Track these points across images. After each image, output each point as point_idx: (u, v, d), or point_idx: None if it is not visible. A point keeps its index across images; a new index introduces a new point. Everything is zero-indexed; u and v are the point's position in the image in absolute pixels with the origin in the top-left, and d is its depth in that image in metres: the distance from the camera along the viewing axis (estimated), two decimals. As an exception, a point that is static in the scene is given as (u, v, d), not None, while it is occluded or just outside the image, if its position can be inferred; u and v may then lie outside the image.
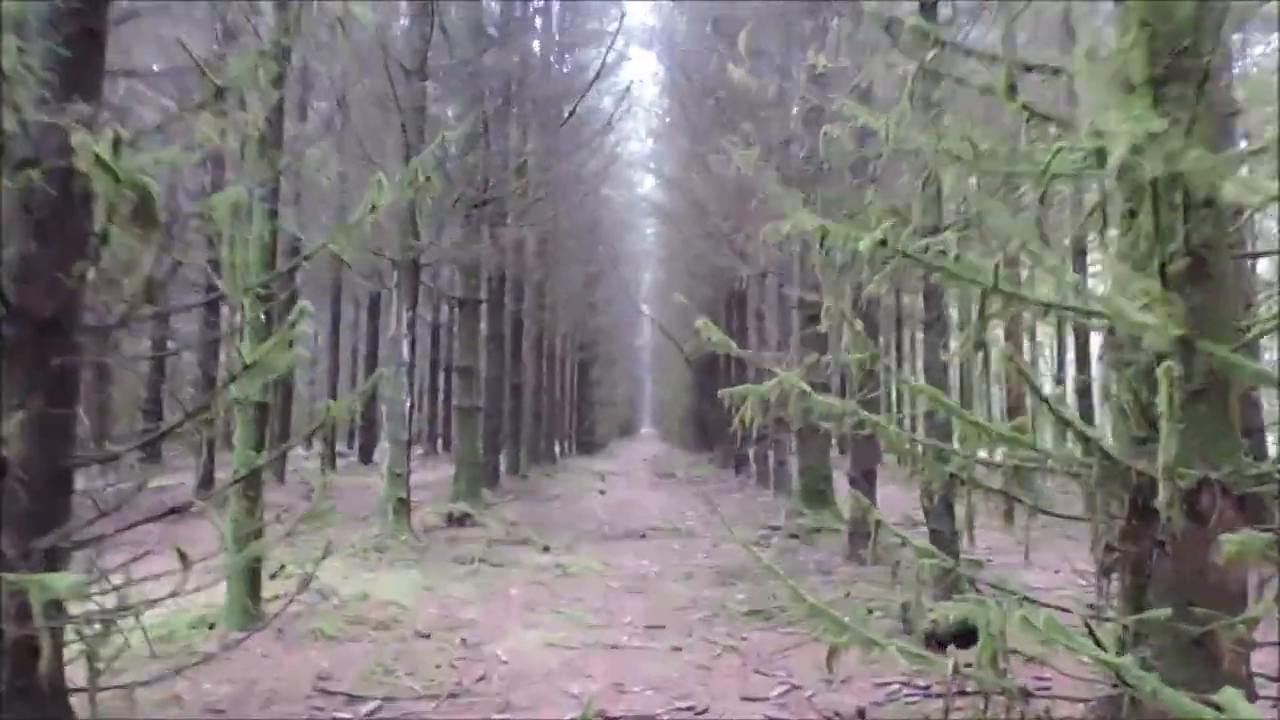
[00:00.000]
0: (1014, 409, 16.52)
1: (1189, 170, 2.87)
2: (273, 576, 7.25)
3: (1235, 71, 12.45)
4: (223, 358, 14.53)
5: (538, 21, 19.58)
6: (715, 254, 21.17)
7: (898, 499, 14.96)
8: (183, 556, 3.92)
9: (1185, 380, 3.09)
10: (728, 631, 7.13)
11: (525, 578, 9.03)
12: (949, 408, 4.01)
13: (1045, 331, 24.59)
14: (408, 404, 10.17)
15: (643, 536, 12.18)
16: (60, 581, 3.16)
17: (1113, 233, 3.89)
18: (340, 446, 33.21)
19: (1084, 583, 9.24)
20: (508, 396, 20.12)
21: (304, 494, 17.71)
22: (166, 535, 10.22)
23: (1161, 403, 2.96)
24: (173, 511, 4.68)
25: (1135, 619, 3.43)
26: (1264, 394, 9.57)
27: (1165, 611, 3.27)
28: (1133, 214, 3.55)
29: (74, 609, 3.63)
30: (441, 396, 30.47)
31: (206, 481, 11.35)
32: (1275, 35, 12.14)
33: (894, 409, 28.13)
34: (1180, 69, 3.40)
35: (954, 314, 8.76)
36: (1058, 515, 4.41)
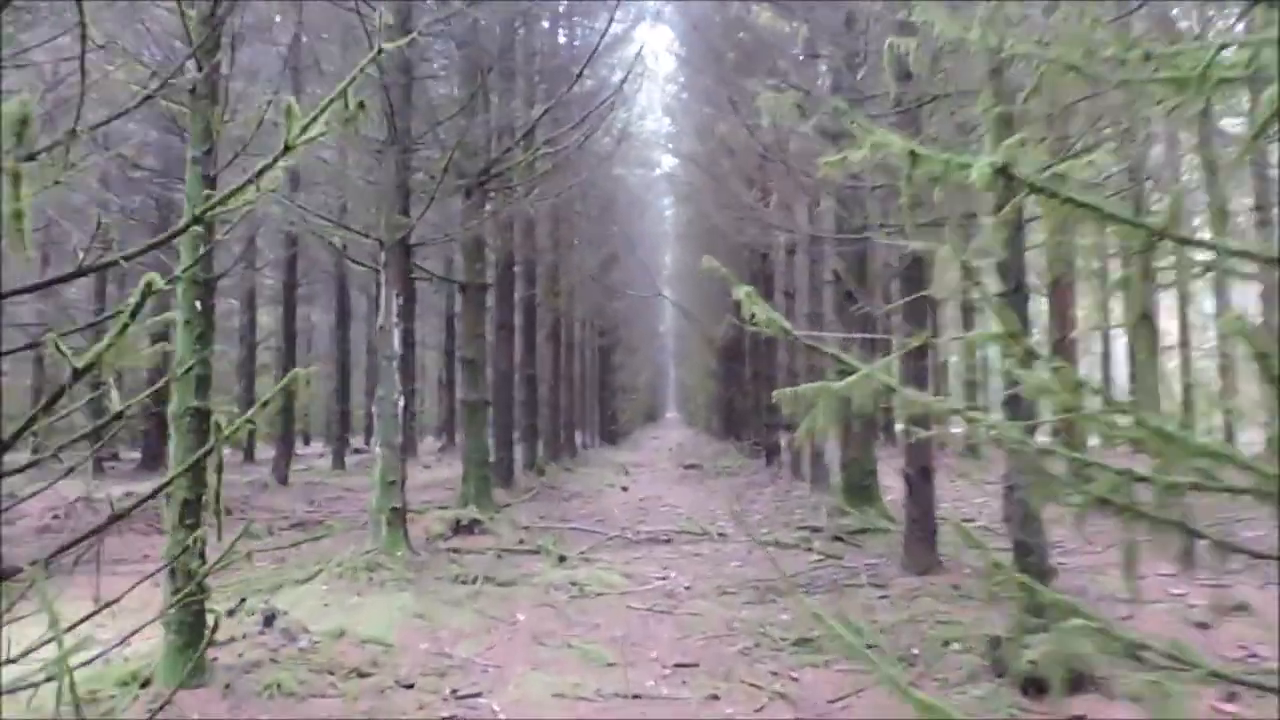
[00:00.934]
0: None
1: None
2: (230, 613, 6.11)
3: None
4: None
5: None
6: (737, 231, 19.92)
7: (948, 494, 13.74)
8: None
9: None
10: (773, 670, 5.94)
11: (535, 599, 7.86)
12: (1117, 410, 2.76)
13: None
14: (400, 403, 9.01)
15: (668, 541, 11.00)
16: None
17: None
18: (359, 442, 32.30)
19: (1179, 592, 8.02)
20: (521, 388, 18.99)
21: (307, 498, 16.67)
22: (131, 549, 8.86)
23: None
24: (92, 534, 3.55)
25: None
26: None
27: None
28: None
29: None
30: (458, 390, 29.42)
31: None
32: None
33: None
34: None
35: (1034, 280, 7.48)
36: (1260, 555, 3.16)
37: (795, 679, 5.76)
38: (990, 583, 5.46)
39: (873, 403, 2.94)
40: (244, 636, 5.82)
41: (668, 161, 39.12)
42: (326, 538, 11.72)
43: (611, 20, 16.90)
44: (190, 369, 5.10)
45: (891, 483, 13.96)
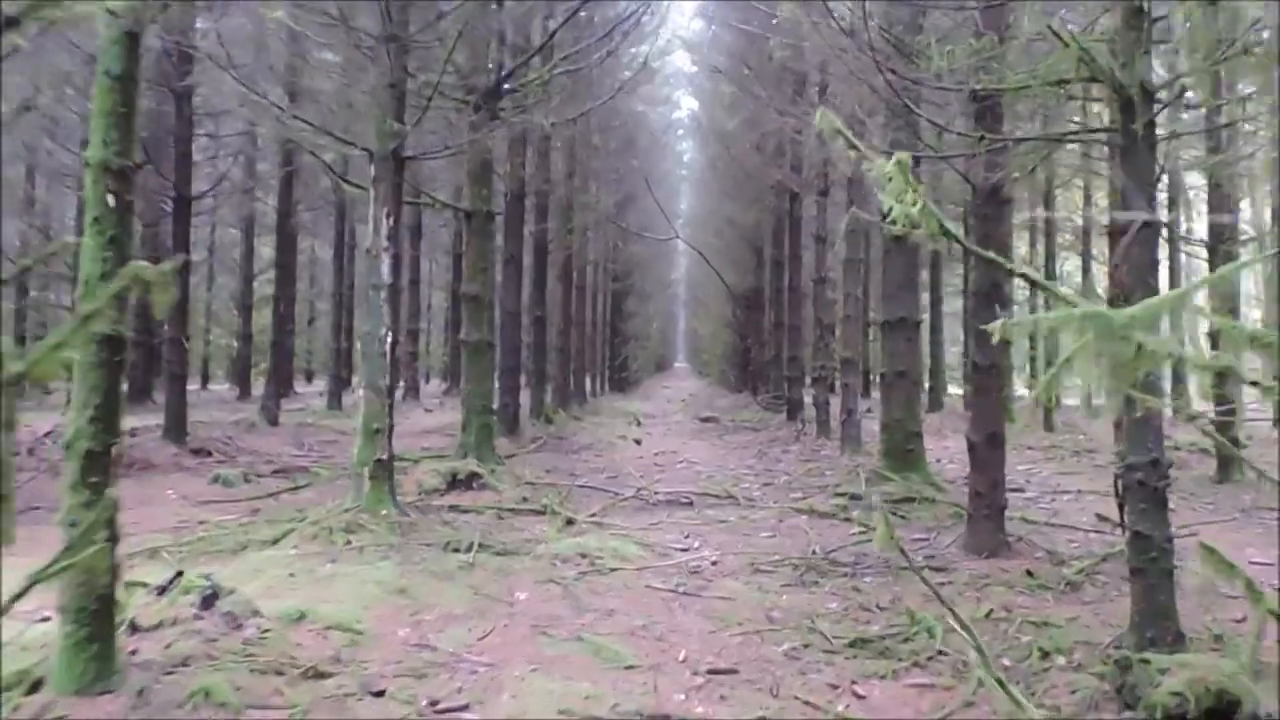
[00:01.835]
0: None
1: None
2: (161, 590, 4.97)
3: None
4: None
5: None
6: (764, 171, 18.56)
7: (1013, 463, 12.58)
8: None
9: None
10: (831, 681, 4.79)
11: (539, 573, 6.71)
12: None
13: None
14: (388, 339, 7.81)
15: (689, 504, 9.84)
16: None
17: None
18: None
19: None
20: (529, 330, 17.81)
21: (298, 441, 15.57)
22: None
23: None
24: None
25: None
26: None
27: None
28: None
29: None
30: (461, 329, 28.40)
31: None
32: None
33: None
34: None
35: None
36: None
37: (860, 695, 4.61)
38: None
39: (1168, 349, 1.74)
40: (175, 622, 4.68)
41: (687, 103, 37.61)
42: (310, 487, 10.62)
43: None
44: (98, 282, 3.89)
45: (930, 445, 12.81)
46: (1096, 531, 8.74)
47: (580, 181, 19.55)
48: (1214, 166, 11.77)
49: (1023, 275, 3.41)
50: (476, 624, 5.58)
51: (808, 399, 18.01)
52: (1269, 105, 6.93)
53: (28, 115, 13.13)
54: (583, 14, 14.73)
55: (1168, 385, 18.21)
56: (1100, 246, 21.05)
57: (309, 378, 38.21)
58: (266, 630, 4.84)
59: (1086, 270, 25.05)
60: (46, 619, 4.51)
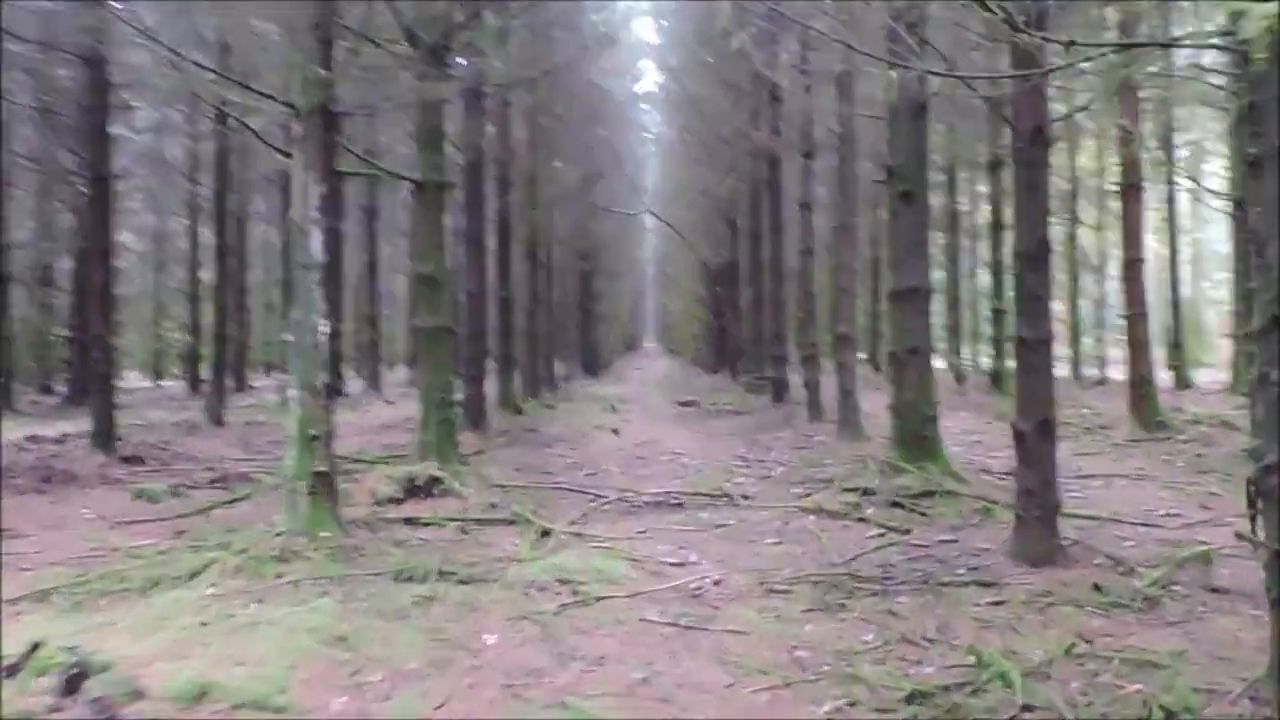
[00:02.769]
0: (1134, 323, 12.96)
1: None
2: (11, 671, 3.75)
3: None
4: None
5: None
6: (742, 136, 17.38)
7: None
8: None
9: None
10: (895, 760, 3.69)
11: (511, 606, 5.55)
12: None
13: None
14: (324, 329, 6.59)
15: (679, 505, 8.70)
16: None
17: None
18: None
19: None
20: (494, 314, 16.58)
21: (244, 442, 14.26)
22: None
23: None
24: None
25: None
26: None
27: None
28: None
29: None
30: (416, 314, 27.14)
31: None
32: None
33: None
34: None
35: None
36: None
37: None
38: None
39: None
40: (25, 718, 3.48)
41: (652, 77, 36.36)
42: (249, 499, 9.36)
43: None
44: None
45: (956, 429, 11.74)
46: (1144, 525, 7.72)
47: (544, 153, 18.28)
48: None
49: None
50: (434, 684, 4.43)
51: (794, 379, 16.93)
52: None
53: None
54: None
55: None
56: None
57: (268, 370, 36.70)
58: (152, 715, 3.65)
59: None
60: None
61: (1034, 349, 6.01)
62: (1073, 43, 3.56)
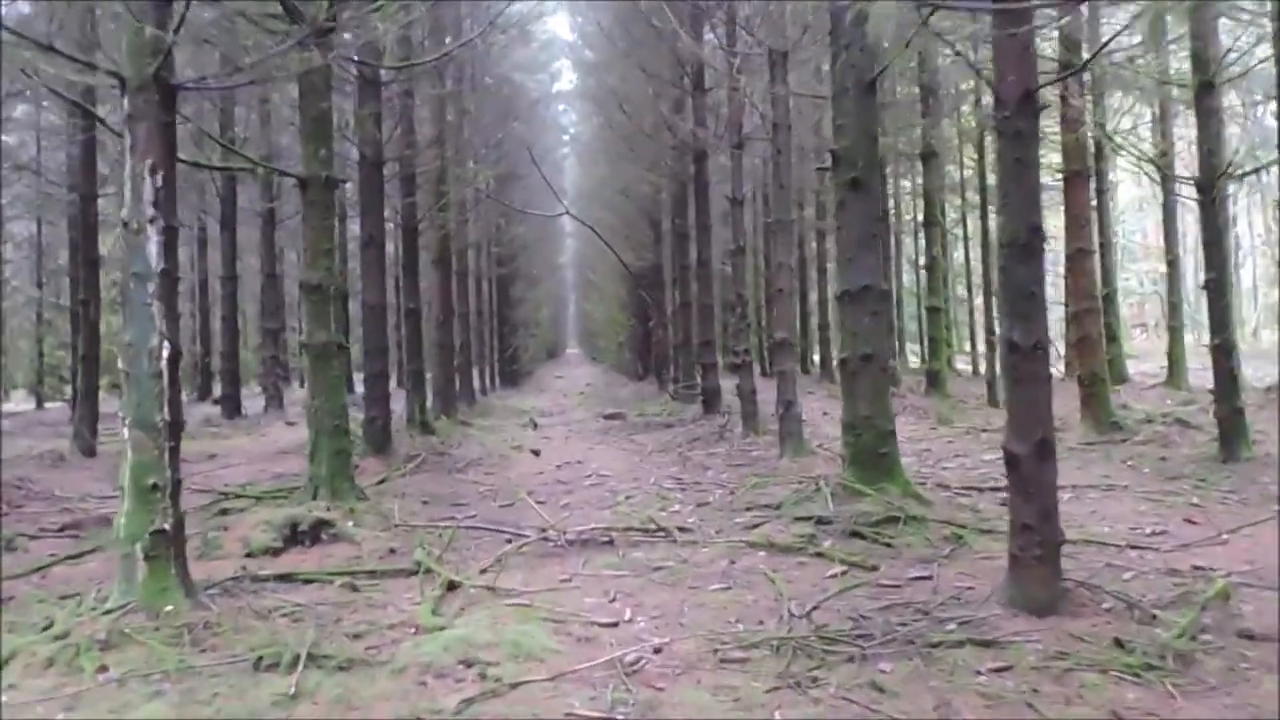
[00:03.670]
0: (1082, 318, 12.25)
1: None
2: None
3: None
4: None
5: None
6: (666, 130, 16.33)
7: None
8: None
9: None
10: None
11: (399, 704, 4.34)
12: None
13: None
14: (164, 353, 5.30)
15: (609, 543, 7.55)
16: None
17: None
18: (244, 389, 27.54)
19: None
20: (402, 325, 15.24)
21: (114, 475, 12.67)
22: None
23: None
24: None
25: None
26: None
27: None
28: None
29: None
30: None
31: None
32: None
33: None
34: None
35: None
36: None
37: None
38: None
39: None
40: None
41: (568, 76, 35.23)
42: (98, 553, 7.92)
43: None
44: None
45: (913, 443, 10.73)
46: (1134, 547, 6.86)
47: (454, 152, 16.98)
48: None
49: None
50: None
51: (723, 384, 15.93)
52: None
53: None
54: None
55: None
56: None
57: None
58: None
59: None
60: None
61: (1029, 356, 5.03)
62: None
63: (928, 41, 6.97)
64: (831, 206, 24.62)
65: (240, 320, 35.84)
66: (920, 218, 20.99)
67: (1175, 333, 18.71)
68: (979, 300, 24.85)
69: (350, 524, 7.99)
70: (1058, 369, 23.01)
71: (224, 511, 9.03)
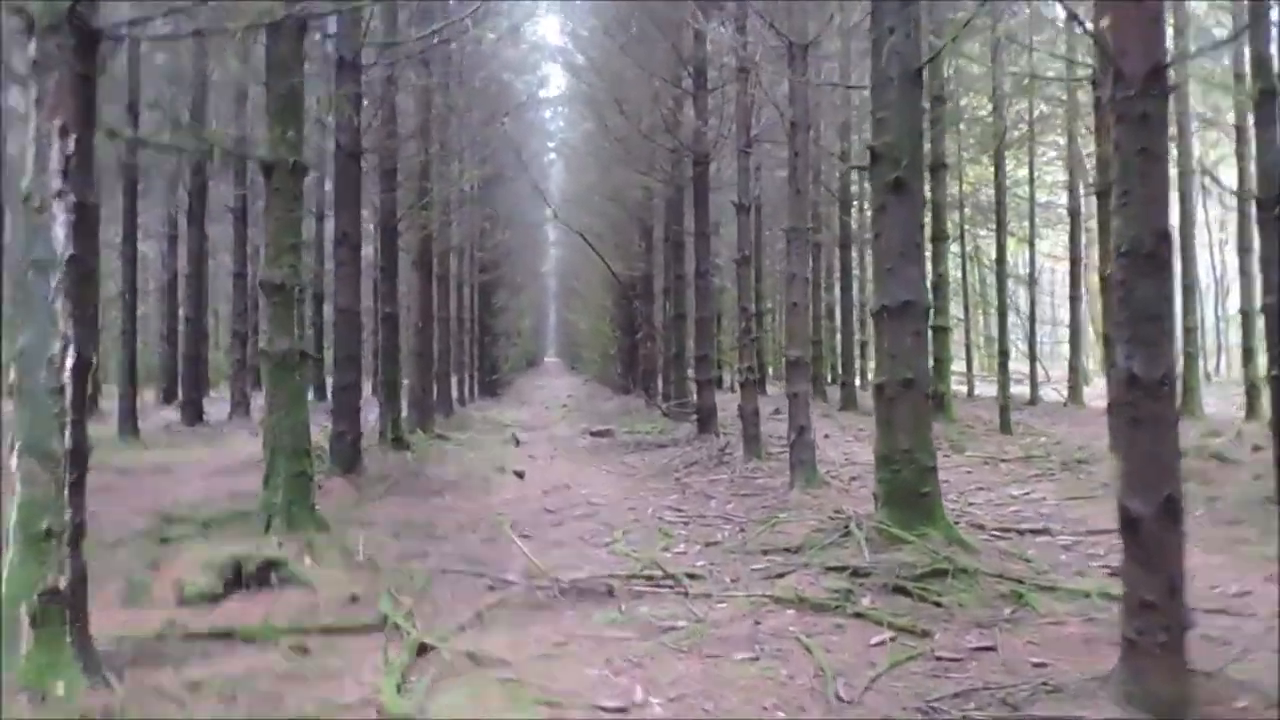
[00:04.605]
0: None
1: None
2: None
3: None
4: None
5: None
6: (664, 134, 15.34)
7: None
8: None
9: None
10: None
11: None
12: None
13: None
14: (69, 362, 4.22)
15: (609, 593, 6.48)
16: None
17: None
18: (206, 394, 25.99)
19: None
20: (380, 331, 14.16)
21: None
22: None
23: None
24: None
25: None
26: None
27: None
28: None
29: None
30: (260, 334, 24.36)
31: None
32: None
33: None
34: None
35: None
36: None
37: None
38: None
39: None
40: None
41: (557, 82, 34.30)
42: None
43: None
44: None
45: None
46: (1227, 613, 5.89)
47: (439, 147, 15.92)
48: None
49: None
50: None
51: (739, 410, 14.86)
52: None
53: None
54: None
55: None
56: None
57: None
58: None
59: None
60: None
61: (1153, 392, 4.04)
62: None
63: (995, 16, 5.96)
64: (842, 213, 23.86)
65: (214, 321, 34.60)
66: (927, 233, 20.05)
67: (1189, 359, 17.85)
68: (978, 319, 24.00)
69: (308, 560, 6.91)
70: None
71: (165, 540, 7.90)
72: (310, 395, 25.11)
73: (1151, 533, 4.08)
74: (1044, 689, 4.53)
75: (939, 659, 5.11)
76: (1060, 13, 16.55)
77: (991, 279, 23.48)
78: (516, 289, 37.57)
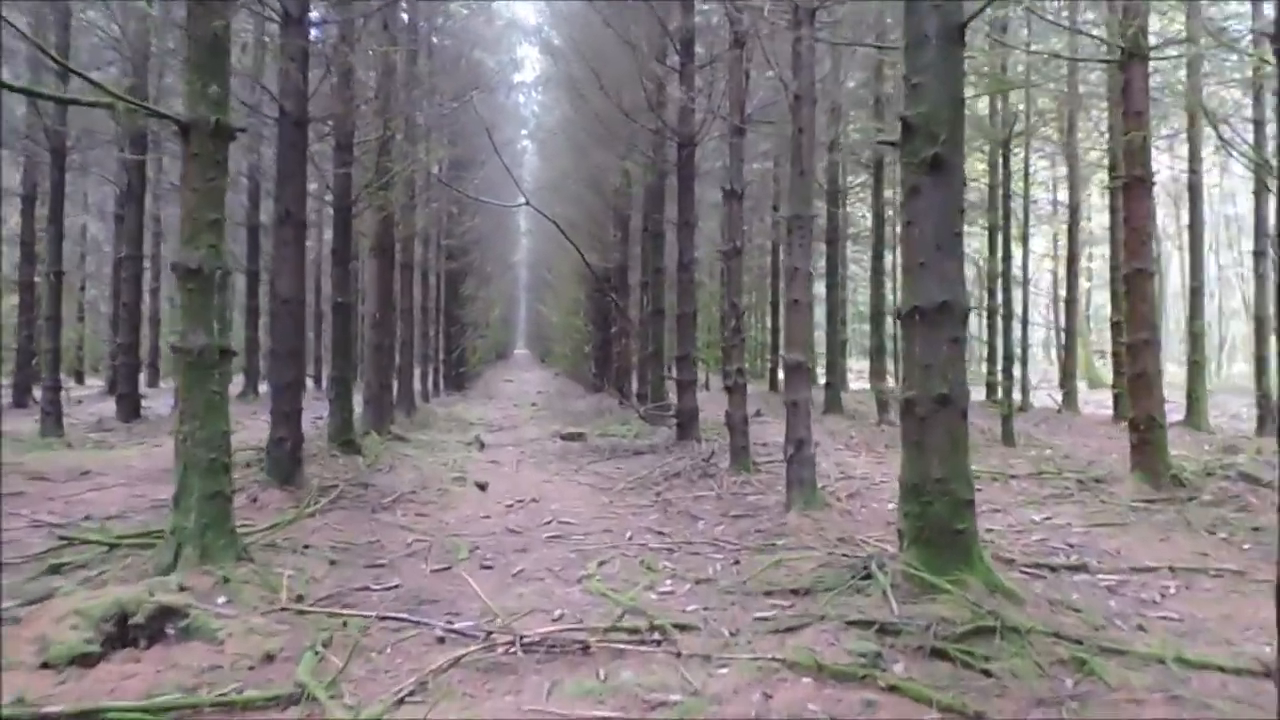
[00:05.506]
0: (1140, 351, 10.36)
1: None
2: None
3: None
4: None
5: None
6: (646, 116, 14.17)
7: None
8: None
9: None
10: None
11: None
12: None
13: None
14: None
15: (584, 649, 5.33)
16: None
17: None
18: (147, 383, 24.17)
19: None
20: (330, 323, 12.88)
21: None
22: None
23: None
24: None
25: None
26: None
27: None
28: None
29: None
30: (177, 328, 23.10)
31: None
32: None
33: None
34: None
35: None
36: None
37: None
38: None
39: None
40: None
41: (532, 67, 33.04)
42: None
43: None
44: None
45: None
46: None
47: (403, 122, 14.65)
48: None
49: None
50: None
51: (726, 417, 13.72)
52: None
53: None
54: None
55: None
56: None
57: (79, 378, 31.51)
58: None
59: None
60: None
61: None
62: None
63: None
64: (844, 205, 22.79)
65: (170, 307, 32.91)
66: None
67: (1196, 367, 16.90)
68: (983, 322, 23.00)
69: (221, 600, 5.72)
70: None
71: (56, 568, 6.67)
72: (258, 391, 23.68)
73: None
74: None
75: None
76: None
77: (983, 278, 22.45)
78: (486, 278, 36.21)
